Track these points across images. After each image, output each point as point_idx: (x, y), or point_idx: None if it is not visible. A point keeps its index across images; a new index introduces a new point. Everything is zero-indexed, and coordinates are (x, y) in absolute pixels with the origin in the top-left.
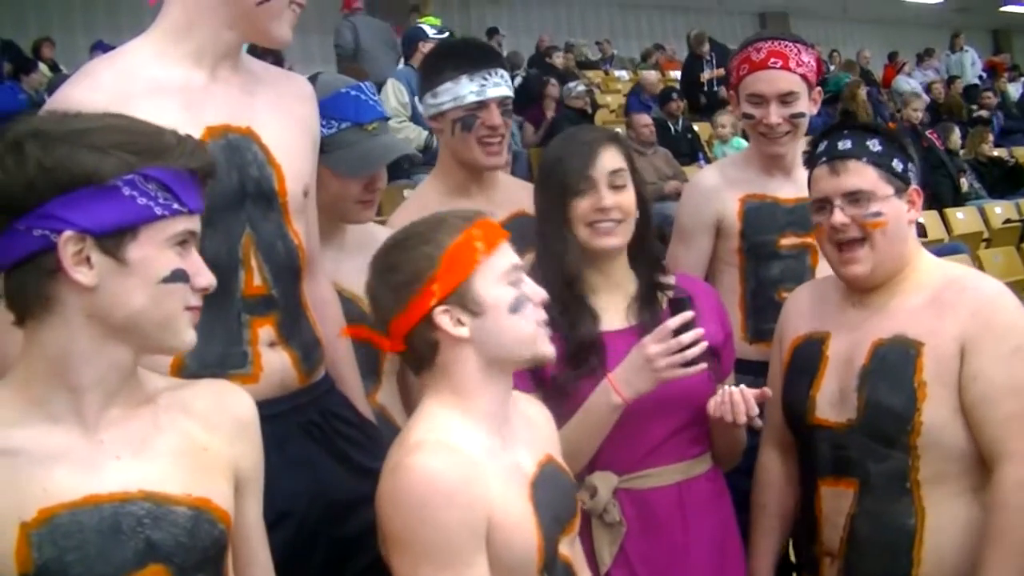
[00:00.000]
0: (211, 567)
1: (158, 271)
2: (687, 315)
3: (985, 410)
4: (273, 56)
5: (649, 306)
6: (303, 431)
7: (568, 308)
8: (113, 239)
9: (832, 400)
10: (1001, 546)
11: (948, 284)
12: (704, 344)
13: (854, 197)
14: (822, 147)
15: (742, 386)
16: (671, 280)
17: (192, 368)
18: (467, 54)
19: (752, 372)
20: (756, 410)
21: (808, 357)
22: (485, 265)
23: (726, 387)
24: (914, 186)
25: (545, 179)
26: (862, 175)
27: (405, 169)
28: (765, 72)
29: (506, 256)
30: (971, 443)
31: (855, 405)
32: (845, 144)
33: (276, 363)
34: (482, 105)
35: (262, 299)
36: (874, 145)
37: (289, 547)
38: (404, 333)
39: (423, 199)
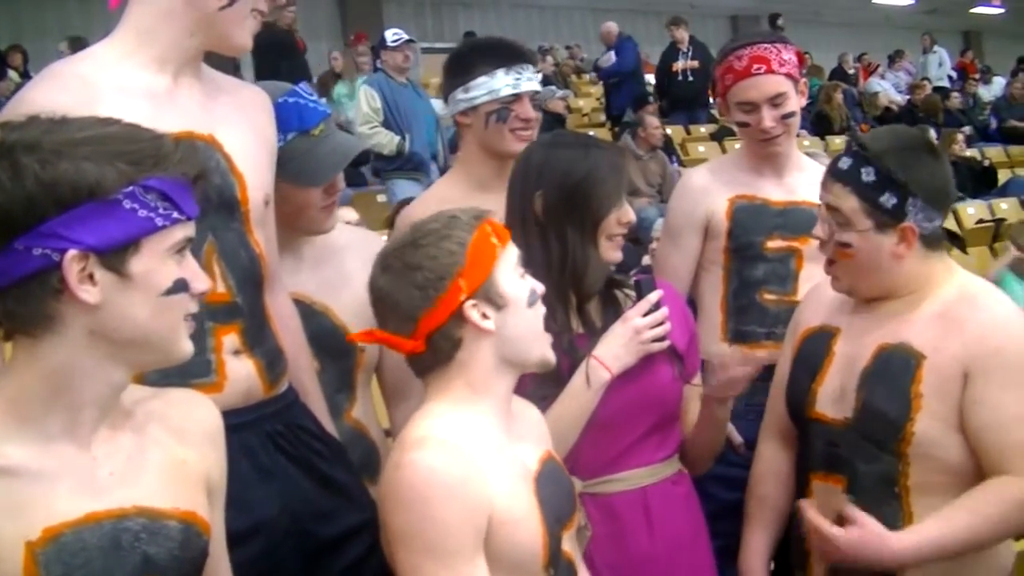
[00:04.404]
0: None
1: (161, 283)
2: (659, 292)
3: (992, 436)
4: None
5: (610, 308)
6: (271, 442)
7: (567, 320)
8: (116, 254)
9: (833, 396)
10: (978, 512)
11: (961, 300)
12: (668, 324)
13: (836, 218)
14: (836, 157)
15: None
16: (624, 277)
17: (152, 376)
18: (501, 50)
19: None
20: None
21: (815, 350)
22: (502, 259)
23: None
24: (909, 223)
25: (574, 191)
26: (843, 201)
27: (378, 175)
28: (751, 80)
29: (514, 250)
30: (965, 459)
31: (853, 404)
32: (844, 164)
33: (241, 372)
34: (516, 98)
35: (225, 306)
36: (867, 174)
37: (262, 558)
38: (429, 332)
39: (443, 193)
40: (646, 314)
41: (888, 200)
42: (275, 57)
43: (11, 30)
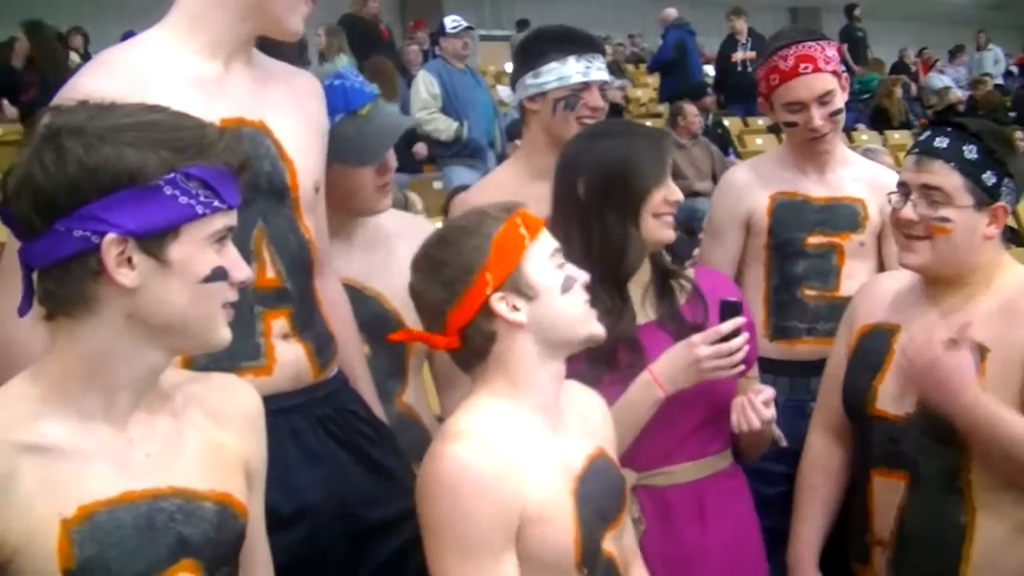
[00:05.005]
0: (233, 560)
1: (199, 270)
2: (739, 321)
3: None
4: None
5: (666, 298)
6: (320, 426)
7: (614, 303)
8: (155, 240)
9: (893, 393)
10: None
11: (1022, 291)
12: (737, 356)
13: (931, 195)
14: (922, 137)
15: (748, 395)
16: (683, 269)
17: (202, 360)
18: (573, 38)
19: (772, 371)
20: (768, 414)
21: (875, 347)
22: (532, 250)
23: (740, 399)
24: (1002, 203)
25: (613, 173)
26: (945, 178)
27: (434, 162)
28: (798, 80)
29: (548, 240)
30: None
31: (914, 400)
32: (941, 142)
33: (290, 355)
34: (586, 87)
35: (275, 291)
36: (970, 152)
37: (309, 541)
38: (460, 327)
39: (503, 180)
40: (723, 338)
41: (989, 178)
42: (359, 47)
43: (72, 12)
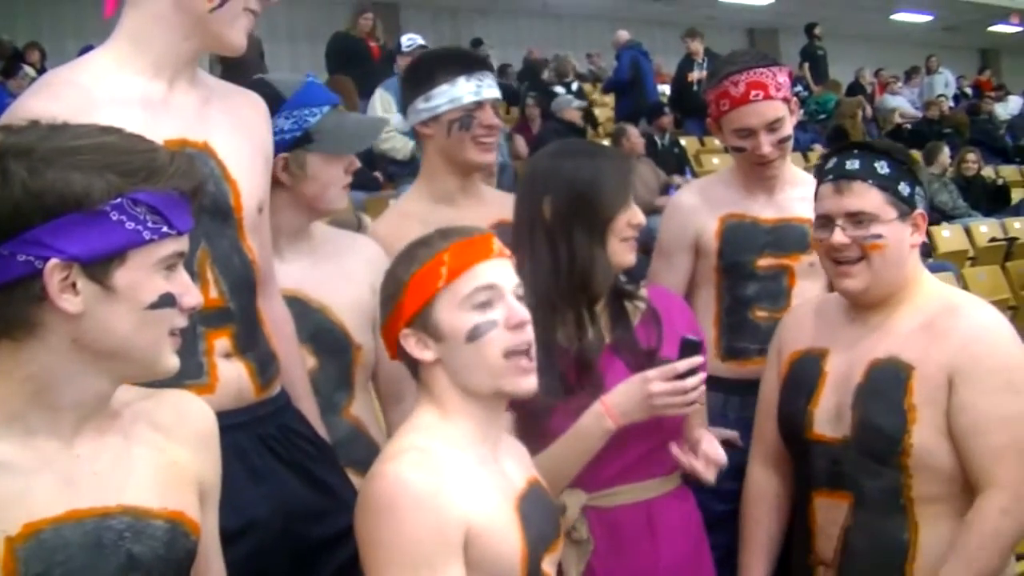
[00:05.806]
0: None
1: (146, 297)
2: (696, 360)
3: (974, 440)
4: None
5: (620, 321)
6: (262, 444)
7: (580, 325)
8: (100, 265)
9: (829, 416)
10: (966, 565)
11: (944, 310)
12: (703, 387)
13: (856, 218)
14: (831, 164)
15: (705, 441)
16: (637, 289)
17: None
18: (460, 58)
19: (724, 390)
20: (723, 458)
21: (807, 372)
22: (448, 290)
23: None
24: (919, 210)
25: (581, 194)
26: (866, 197)
27: (392, 180)
28: (748, 106)
29: (475, 279)
30: (962, 467)
31: (850, 422)
32: (853, 164)
33: (232, 374)
34: (479, 105)
35: (218, 311)
36: (882, 167)
37: (253, 558)
38: (391, 345)
39: (405, 208)
40: (679, 375)
41: (904, 188)
42: (343, 64)
43: (30, 27)
